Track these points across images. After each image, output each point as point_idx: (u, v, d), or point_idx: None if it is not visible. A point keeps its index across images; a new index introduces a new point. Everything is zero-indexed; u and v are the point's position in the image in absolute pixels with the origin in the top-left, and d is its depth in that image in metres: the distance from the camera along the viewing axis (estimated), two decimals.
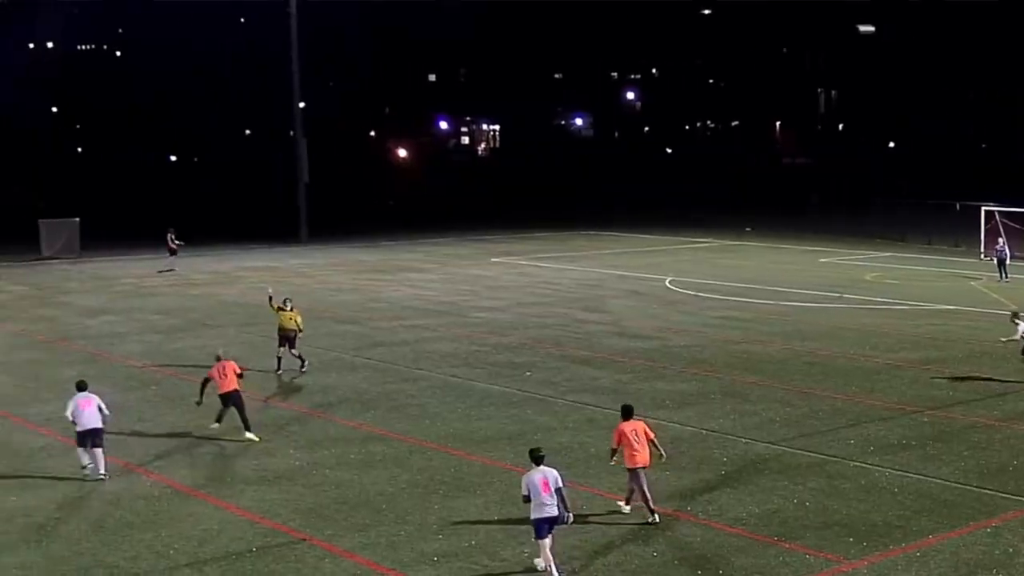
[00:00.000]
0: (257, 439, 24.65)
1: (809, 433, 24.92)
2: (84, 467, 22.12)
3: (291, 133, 77.93)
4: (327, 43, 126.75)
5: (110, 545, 18.45)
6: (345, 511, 20.02)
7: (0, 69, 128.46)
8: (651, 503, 19.32)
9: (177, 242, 57.39)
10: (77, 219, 66.31)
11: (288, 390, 29.92)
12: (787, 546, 18.19)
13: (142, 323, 40.77)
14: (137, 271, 57.01)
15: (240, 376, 25.17)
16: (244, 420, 24.89)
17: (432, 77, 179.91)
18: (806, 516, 19.58)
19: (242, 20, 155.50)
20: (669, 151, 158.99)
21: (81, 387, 22.71)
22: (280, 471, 22.41)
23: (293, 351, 31.76)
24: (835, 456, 23.06)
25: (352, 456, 23.43)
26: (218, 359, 25.39)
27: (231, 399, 24.85)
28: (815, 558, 17.71)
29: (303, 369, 31.71)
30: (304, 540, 18.65)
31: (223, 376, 24.86)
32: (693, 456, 23.20)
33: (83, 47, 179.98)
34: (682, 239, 70.99)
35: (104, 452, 22.13)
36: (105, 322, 41.19)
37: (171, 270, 55.87)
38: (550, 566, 17.00)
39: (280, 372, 31.66)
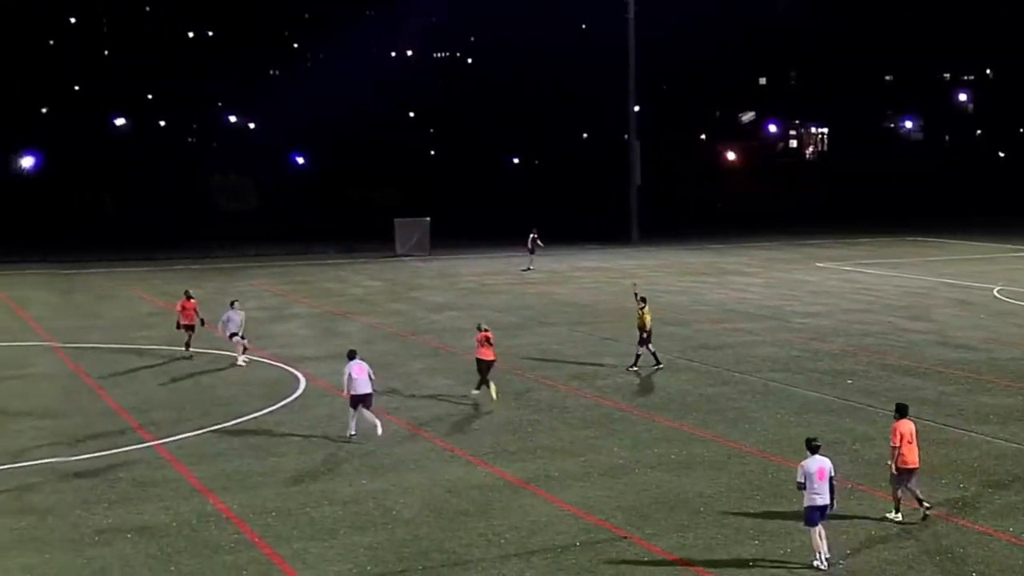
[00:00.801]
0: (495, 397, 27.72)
1: None
2: (351, 435, 24.55)
3: (625, 136, 78.53)
4: (662, 47, 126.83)
5: (447, 531, 19.19)
6: (664, 511, 20.13)
7: (365, 77, 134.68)
8: (920, 496, 19.11)
9: (539, 243, 58.82)
10: (428, 219, 68.98)
11: (616, 388, 30.19)
12: None
13: (482, 319, 41.99)
14: (479, 269, 58.86)
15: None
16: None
17: (763, 80, 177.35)
18: None
19: (583, 26, 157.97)
20: (1002, 155, 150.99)
21: (352, 355, 25.20)
22: (605, 468, 22.73)
23: (649, 347, 32.09)
24: None
25: (673, 456, 23.53)
26: (478, 328, 28.76)
27: (486, 366, 27.94)
28: None
29: (657, 366, 32.04)
30: (625, 538, 18.87)
31: (484, 345, 28.08)
32: (1015, 474, 22.09)
33: (438, 55, 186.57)
34: (1014, 247, 67.39)
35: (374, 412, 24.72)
36: (449, 317, 42.76)
37: (529, 268, 57.29)
38: (819, 552, 17.19)
39: (636, 368, 32.01)
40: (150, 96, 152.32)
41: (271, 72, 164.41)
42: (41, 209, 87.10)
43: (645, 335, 32.04)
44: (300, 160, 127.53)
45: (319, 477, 22.11)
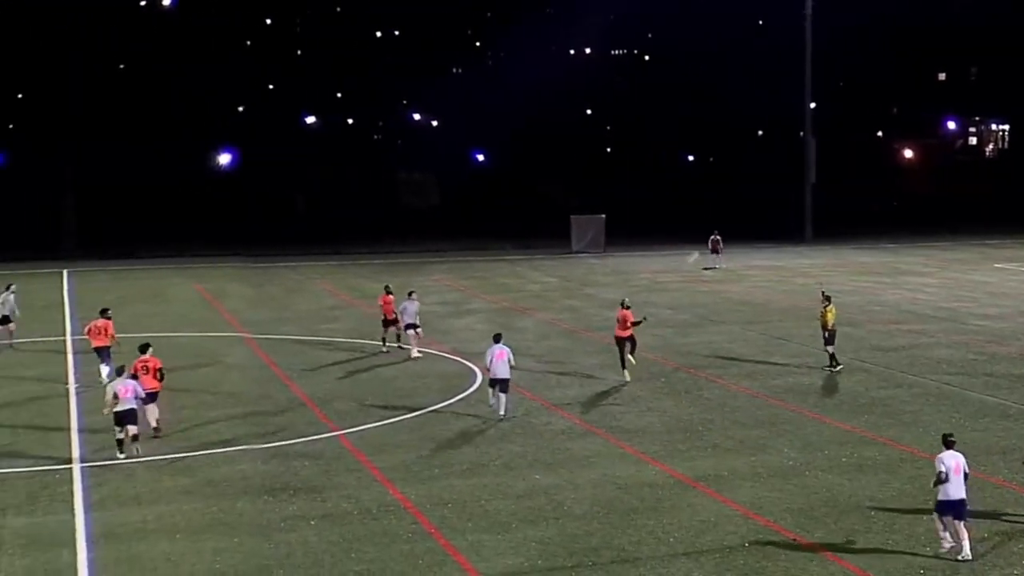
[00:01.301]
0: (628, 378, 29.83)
1: None
2: (491, 405, 26.51)
3: (800, 134, 77.13)
4: (839, 43, 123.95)
5: (617, 528, 19.15)
6: (835, 514, 19.71)
7: (544, 75, 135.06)
8: None
9: (720, 245, 58.28)
10: (603, 216, 68.92)
11: (787, 388, 29.66)
12: None
13: (655, 317, 41.76)
14: (653, 266, 58.55)
15: (636, 324, 30.37)
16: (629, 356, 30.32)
17: (942, 76, 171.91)
18: None
19: (760, 23, 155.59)
20: None
21: (497, 339, 27.04)
22: (774, 469, 22.39)
23: (829, 348, 31.52)
24: None
25: (844, 459, 23.02)
26: (621, 304, 30.89)
27: (623, 343, 30.20)
28: None
29: (834, 369, 31.41)
30: (794, 540, 18.55)
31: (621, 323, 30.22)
32: None
33: (616, 52, 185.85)
34: None
35: (508, 398, 26.45)
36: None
37: (714, 267, 56.79)
38: (962, 543, 17.31)
39: (836, 368, 31.46)
40: (339, 95, 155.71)
41: (454, 70, 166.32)
42: (237, 205, 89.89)
43: (827, 334, 31.41)
44: (480, 157, 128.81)
45: (493, 471, 22.31)
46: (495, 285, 51.96)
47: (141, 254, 67.20)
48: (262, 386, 30.19)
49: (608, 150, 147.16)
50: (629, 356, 30.47)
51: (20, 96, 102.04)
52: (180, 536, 18.67)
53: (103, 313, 31.26)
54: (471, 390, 29.39)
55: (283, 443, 24.26)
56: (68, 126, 79.57)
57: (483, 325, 40.22)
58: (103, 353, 30.06)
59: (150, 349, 25.53)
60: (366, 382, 30.75)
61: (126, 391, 23.09)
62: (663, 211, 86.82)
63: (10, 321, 35.76)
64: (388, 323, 35.00)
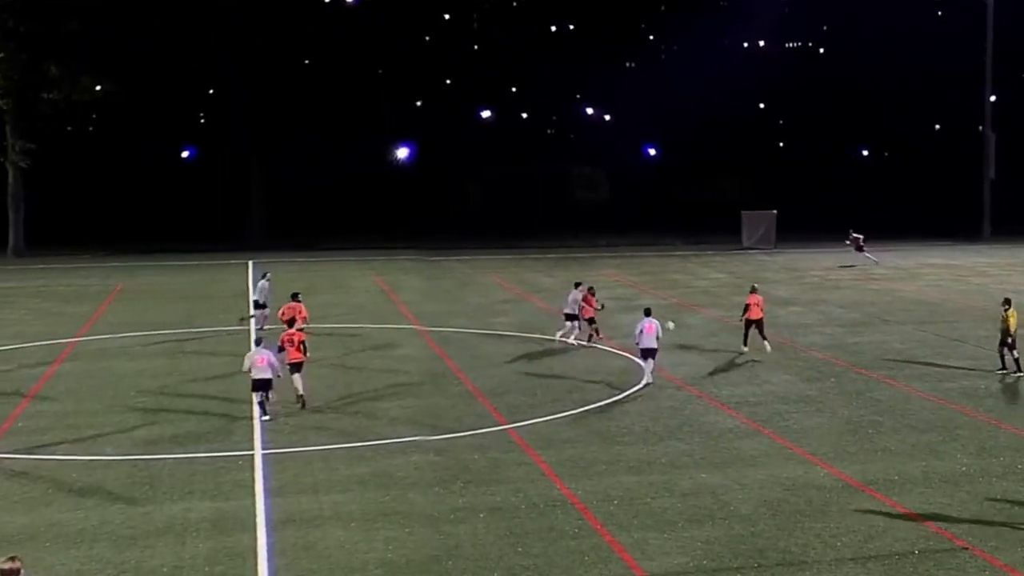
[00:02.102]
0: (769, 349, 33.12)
1: None
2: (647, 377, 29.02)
3: (979, 128, 74.62)
4: (1021, 33, 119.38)
5: (783, 530, 18.84)
6: (1010, 524, 19.04)
7: (716, 68, 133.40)
8: None
9: (861, 243, 56.93)
10: (775, 211, 67.88)
11: (962, 392, 28.76)
12: None
13: (825, 315, 41.05)
14: (825, 263, 57.43)
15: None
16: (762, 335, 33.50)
17: None
18: None
19: (939, 13, 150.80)
20: None
21: (647, 312, 30.21)
22: (947, 475, 21.73)
23: (1009, 352, 30.51)
24: None
25: (1020, 467, 22.19)
26: (754, 289, 34.58)
27: (754, 324, 33.51)
28: None
29: (1011, 372, 30.43)
30: (966, 549, 17.97)
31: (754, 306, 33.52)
32: None
33: (790, 45, 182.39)
34: None
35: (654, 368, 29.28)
36: (792, 312, 41.93)
37: (854, 265, 55.68)
38: None
39: (1009, 372, 30.52)
40: (513, 89, 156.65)
41: (627, 64, 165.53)
42: (414, 198, 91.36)
43: (1010, 339, 30.30)
44: (652, 151, 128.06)
45: (660, 468, 22.20)
46: (665, 281, 51.66)
47: (322, 246, 68.91)
48: (434, 378, 30.64)
49: (781, 145, 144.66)
50: (764, 342, 33.66)
51: (210, 92, 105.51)
52: (354, 524, 19.08)
53: (294, 297, 33.77)
54: (639, 386, 29.29)
55: (454, 435, 24.58)
56: (254, 120, 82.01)
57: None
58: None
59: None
60: (535, 376, 30.92)
61: (261, 360, 25.70)
62: (835, 207, 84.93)
63: (265, 307, 37.77)
64: (590, 321, 35.18)
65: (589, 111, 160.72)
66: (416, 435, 24.60)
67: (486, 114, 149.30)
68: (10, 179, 68.60)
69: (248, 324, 36.62)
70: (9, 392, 29.05)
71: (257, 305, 37.87)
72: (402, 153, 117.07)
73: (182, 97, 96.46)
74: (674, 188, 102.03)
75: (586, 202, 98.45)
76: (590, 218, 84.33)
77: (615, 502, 20.15)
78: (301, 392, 26.84)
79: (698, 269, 56.31)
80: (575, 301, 34.76)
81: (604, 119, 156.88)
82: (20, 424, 25.79)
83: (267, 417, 25.47)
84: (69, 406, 27.55)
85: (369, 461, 22.69)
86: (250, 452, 23.37)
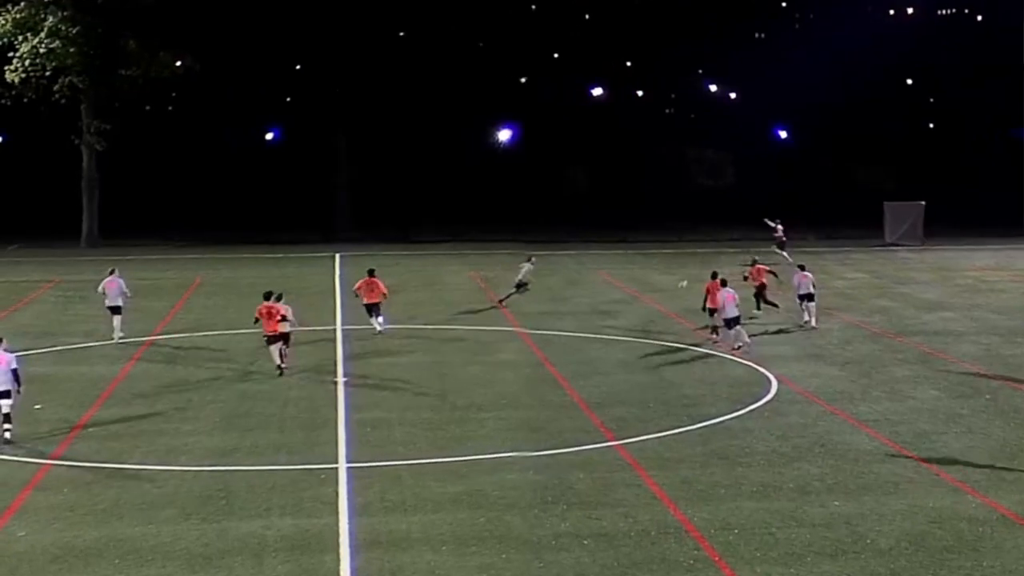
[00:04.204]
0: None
1: None
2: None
3: None
4: None
5: (927, 568, 18.43)
6: None
7: (858, 40, 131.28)
8: None
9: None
10: (922, 203, 66.76)
11: None
12: None
13: (980, 322, 40.26)
14: (979, 263, 56.43)
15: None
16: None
17: None
18: None
19: None
20: None
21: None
22: None
23: None
24: None
25: None
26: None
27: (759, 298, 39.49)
28: None
29: None
30: None
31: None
32: None
33: (943, 11, 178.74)
34: None
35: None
36: (942, 318, 41.23)
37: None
38: None
39: None
40: (628, 64, 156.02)
41: (756, 35, 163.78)
42: (515, 185, 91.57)
43: None
44: (783, 134, 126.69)
45: (787, 494, 21.95)
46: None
47: (414, 238, 69.46)
48: (535, 387, 30.69)
49: (931, 127, 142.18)
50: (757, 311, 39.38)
51: (297, 68, 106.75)
52: (446, 548, 19.19)
53: (371, 273, 37.84)
54: (764, 400, 29.02)
55: (556, 452, 24.59)
56: (343, 98, 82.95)
57: (781, 330, 39.51)
58: (374, 309, 37.32)
59: (273, 297, 32.79)
60: (648, 387, 30.79)
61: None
62: (994, 199, 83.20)
63: (526, 287, 43.24)
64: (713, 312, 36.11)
65: (712, 88, 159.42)
66: (514, 450, 24.66)
67: (597, 92, 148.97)
68: (84, 162, 70.29)
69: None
70: (78, 394, 29.77)
71: (519, 287, 43.13)
72: (504, 135, 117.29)
73: (266, 74, 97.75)
74: (807, 175, 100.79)
75: (708, 190, 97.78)
76: (712, 206, 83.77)
77: (735, 531, 19.98)
78: (281, 362, 31.96)
79: (834, 268, 55.61)
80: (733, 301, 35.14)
81: (729, 97, 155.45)
82: (89, 430, 26.43)
83: (284, 366, 31.80)
84: (141, 411, 28.15)
85: (463, 478, 22.80)
86: (334, 465, 23.65)
